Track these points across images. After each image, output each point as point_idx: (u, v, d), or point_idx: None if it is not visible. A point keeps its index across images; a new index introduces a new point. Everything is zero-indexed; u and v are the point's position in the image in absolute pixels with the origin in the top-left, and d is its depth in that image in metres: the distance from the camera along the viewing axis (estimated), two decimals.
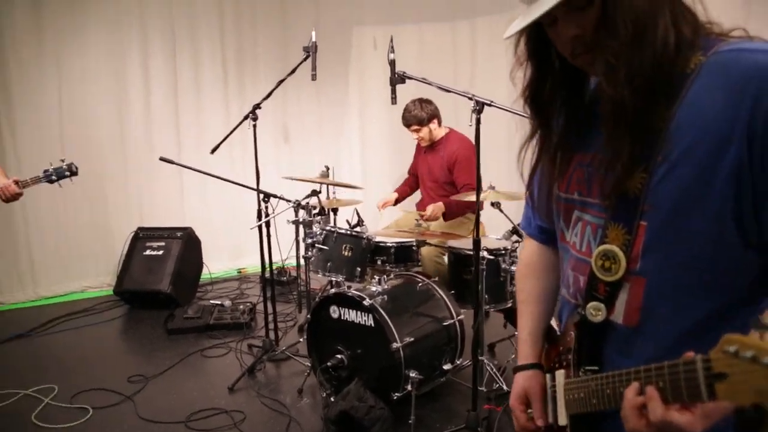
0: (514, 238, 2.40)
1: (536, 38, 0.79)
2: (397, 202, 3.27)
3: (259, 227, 2.60)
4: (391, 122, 4.14)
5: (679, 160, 0.68)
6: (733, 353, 0.49)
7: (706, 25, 0.71)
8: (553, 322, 0.96)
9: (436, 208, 2.88)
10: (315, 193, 2.59)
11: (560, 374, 0.85)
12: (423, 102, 3.03)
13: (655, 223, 0.71)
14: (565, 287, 0.88)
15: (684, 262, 0.70)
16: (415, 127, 3.02)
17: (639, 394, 0.64)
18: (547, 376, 0.90)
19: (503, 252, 2.33)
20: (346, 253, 2.43)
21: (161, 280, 3.45)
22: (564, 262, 0.87)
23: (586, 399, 0.76)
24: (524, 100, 0.82)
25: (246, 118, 2.58)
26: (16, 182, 2.15)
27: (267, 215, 2.58)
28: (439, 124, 3.08)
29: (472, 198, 2.38)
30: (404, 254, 2.50)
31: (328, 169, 3.09)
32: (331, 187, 3.26)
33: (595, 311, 0.77)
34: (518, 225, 2.25)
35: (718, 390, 0.52)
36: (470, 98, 1.84)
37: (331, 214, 3.12)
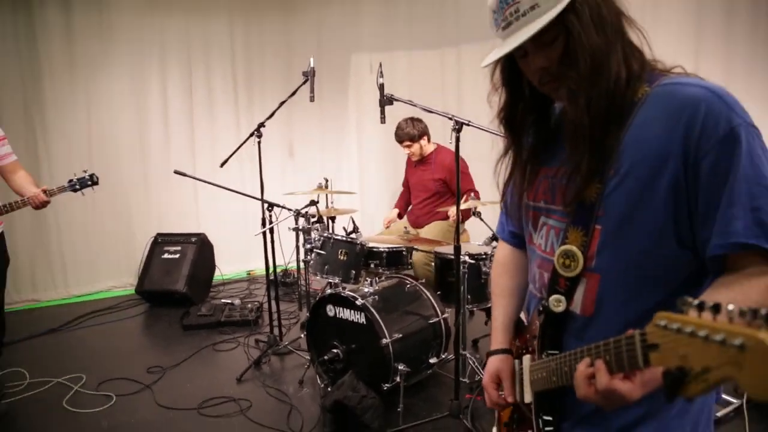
0: (494, 244, 2.41)
1: (509, 68, 0.83)
2: (400, 216, 3.25)
3: (264, 233, 2.60)
4: (385, 139, 4.09)
5: (627, 174, 0.73)
6: (663, 326, 0.53)
7: (652, 62, 0.77)
8: (522, 315, 0.99)
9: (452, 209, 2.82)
10: (313, 202, 2.60)
11: (526, 358, 0.89)
12: (414, 120, 3.02)
13: (608, 226, 0.76)
14: (532, 283, 0.91)
15: (631, 260, 0.74)
16: (407, 143, 3.02)
17: (589, 367, 0.67)
18: (515, 361, 0.93)
19: (484, 257, 2.33)
20: (341, 257, 2.42)
21: (177, 281, 3.46)
22: (531, 261, 0.91)
23: (548, 377, 0.79)
24: (499, 121, 0.86)
25: (251, 135, 2.60)
26: (44, 191, 2.15)
27: (270, 223, 2.58)
28: (429, 140, 3.07)
29: (472, 204, 2.42)
30: (395, 258, 2.50)
31: (327, 181, 3.08)
32: (329, 196, 3.28)
33: (557, 303, 0.81)
34: (495, 231, 2.28)
35: (652, 358, 0.56)
36: (450, 118, 1.85)
37: (329, 222, 3.11)
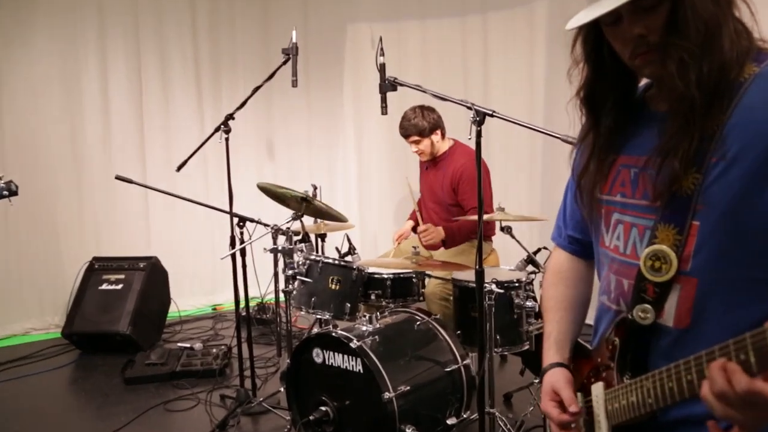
0: (530, 268, 2.42)
1: (593, 38, 0.91)
2: (415, 230, 3.27)
3: (233, 257, 2.63)
4: (391, 134, 4.13)
5: (733, 162, 0.79)
6: None
7: (759, 40, 0.86)
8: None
9: (434, 233, 2.87)
10: (297, 216, 2.63)
11: (597, 387, 0.92)
12: (424, 110, 3.04)
13: (708, 222, 0.81)
14: (604, 294, 0.96)
15: (737, 261, 0.80)
16: (415, 138, 3.05)
17: (721, 371, 0.67)
18: (579, 395, 0.97)
19: (516, 285, 2.33)
20: (333, 287, 2.45)
21: (119, 320, 3.45)
22: (603, 268, 0.96)
23: (638, 403, 0.82)
24: (579, 100, 0.94)
25: (217, 130, 2.61)
26: None
27: (242, 242, 2.61)
28: (443, 136, 3.10)
29: (497, 216, 2.43)
30: (402, 287, 2.52)
31: (315, 189, 3.08)
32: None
33: (644, 314, 0.85)
34: (534, 253, 2.35)
35: None
36: (469, 107, 1.88)
37: (318, 241, 3.15)
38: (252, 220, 2.65)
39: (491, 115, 1.91)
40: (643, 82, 0.96)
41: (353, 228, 3.17)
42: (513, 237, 2.47)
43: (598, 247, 0.97)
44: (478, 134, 1.90)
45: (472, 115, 1.88)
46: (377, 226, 4.44)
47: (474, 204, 2.86)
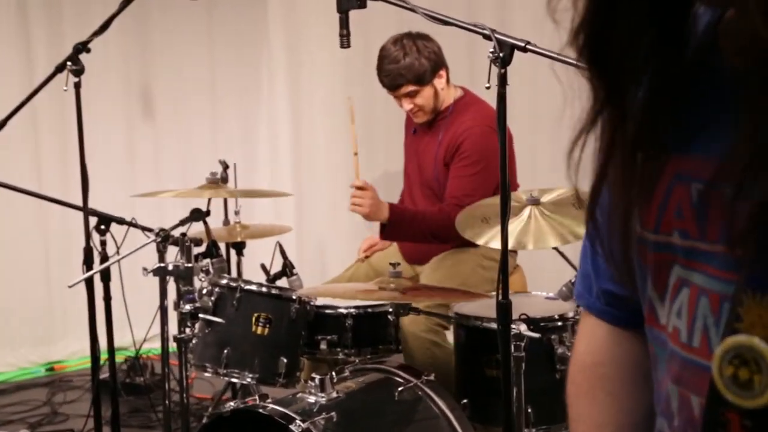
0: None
1: None
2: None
3: (88, 283, 2.62)
4: (348, 82, 4.18)
5: None
6: None
7: None
8: None
9: (368, 199, 2.84)
10: (199, 215, 2.62)
11: None
12: (417, 40, 3.06)
13: None
14: (664, 418, 0.90)
15: None
16: (411, 89, 3.06)
17: None
18: None
19: (559, 324, 2.38)
20: (259, 330, 2.51)
21: None
22: (659, 367, 0.91)
23: None
24: (577, 49, 0.84)
25: (60, 69, 2.58)
26: None
27: (105, 259, 2.59)
28: (448, 80, 3.16)
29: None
30: (372, 330, 2.59)
31: (226, 168, 3.08)
32: (236, 202, 3.32)
33: None
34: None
35: None
36: (487, 35, 1.89)
37: (232, 253, 3.16)
38: (122, 222, 2.65)
39: (524, 49, 1.91)
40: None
41: (289, 233, 3.14)
42: (555, 248, 2.40)
43: (648, 324, 0.90)
44: (502, 80, 1.88)
45: (491, 50, 1.90)
46: (326, 229, 4.49)
47: (455, 194, 2.97)
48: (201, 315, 2.53)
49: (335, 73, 4.36)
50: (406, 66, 3.01)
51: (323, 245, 4.54)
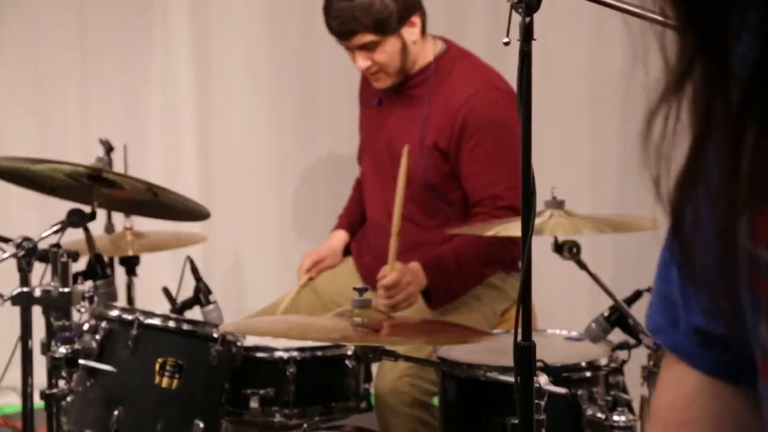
0: (615, 336, 2.49)
1: None
2: (349, 251, 3.31)
3: None
4: (276, 33, 4.23)
5: None
6: None
7: None
8: None
9: (409, 285, 2.84)
10: (81, 219, 2.58)
11: None
12: None
13: None
14: None
15: None
16: (369, 39, 2.97)
17: None
18: None
19: (588, 375, 2.40)
20: (165, 383, 2.48)
21: None
22: None
23: None
24: None
25: None
26: None
27: None
28: (423, 31, 3.05)
29: (513, 230, 2.46)
30: (324, 382, 2.61)
31: (110, 150, 3.03)
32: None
33: None
34: (627, 302, 2.47)
35: None
36: None
37: (120, 271, 3.11)
38: None
39: None
40: None
41: (203, 242, 3.26)
42: (581, 266, 2.41)
43: (763, 378, 0.89)
44: (526, 33, 1.90)
45: None
46: (249, 239, 4.41)
47: (495, 190, 2.92)
48: (82, 361, 2.45)
49: (258, 21, 4.38)
50: (363, 5, 2.95)
51: (247, 261, 4.57)
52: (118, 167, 3.18)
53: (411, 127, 3.06)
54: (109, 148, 3.05)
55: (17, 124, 4.54)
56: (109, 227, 3.17)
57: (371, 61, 3.02)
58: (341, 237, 3.33)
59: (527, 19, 1.91)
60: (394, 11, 2.97)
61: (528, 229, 2.01)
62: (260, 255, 4.52)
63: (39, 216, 3.82)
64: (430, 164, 3.02)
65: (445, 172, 3.03)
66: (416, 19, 3.03)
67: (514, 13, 1.92)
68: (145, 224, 3.32)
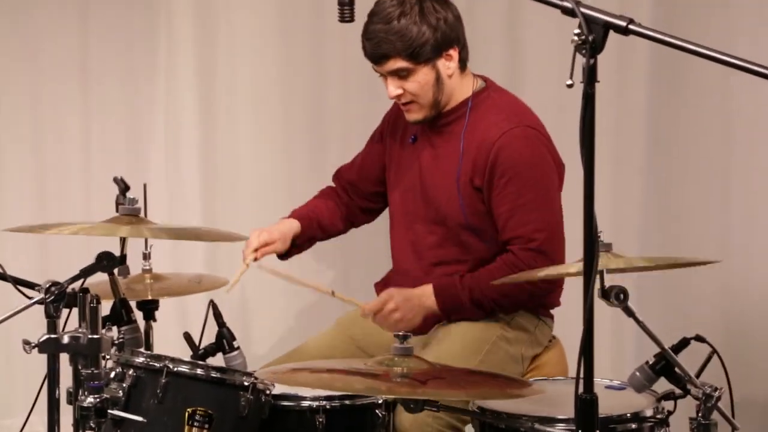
0: (661, 385, 2.42)
1: None
2: (293, 249, 3.21)
3: None
4: (286, 61, 4.15)
5: None
6: None
7: None
8: None
9: (409, 297, 2.88)
10: (111, 263, 2.57)
11: None
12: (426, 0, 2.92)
13: None
14: None
15: None
16: (401, 65, 2.94)
17: None
18: None
19: (633, 427, 2.37)
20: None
21: None
22: None
23: None
24: None
25: None
26: None
27: None
28: (462, 66, 3.01)
29: (545, 271, 2.55)
30: (355, 430, 2.60)
31: (125, 189, 2.94)
32: (147, 246, 3.18)
33: None
34: (674, 350, 2.37)
35: None
36: (570, 9, 1.87)
37: (138, 316, 2.97)
38: None
39: (625, 30, 1.89)
40: None
41: (220, 287, 3.11)
42: (629, 312, 2.35)
43: None
44: (590, 75, 1.84)
45: (575, 33, 1.85)
46: (273, 282, 4.15)
47: (523, 231, 2.91)
48: (111, 411, 2.39)
49: (265, 47, 4.27)
50: (398, 30, 2.90)
51: (269, 305, 4.40)
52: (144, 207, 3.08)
53: (446, 164, 3.04)
54: (124, 187, 2.97)
55: (14, 152, 4.53)
56: (124, 269, 3.05)
57: (402, 89, 3.00)
58: (293, 226, 3.24)
59: (591, 61, 1.87)
60: (429, 40, 2.95)
61: (591, 275, 1.93)
62: (281, 296, 4.35)
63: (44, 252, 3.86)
64: (467, 203, 3.01)
65: (481, 211, 3.01)
66: (454, 53, 3.00)
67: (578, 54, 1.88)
68: (163, 265, 3.26)
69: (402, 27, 2.92)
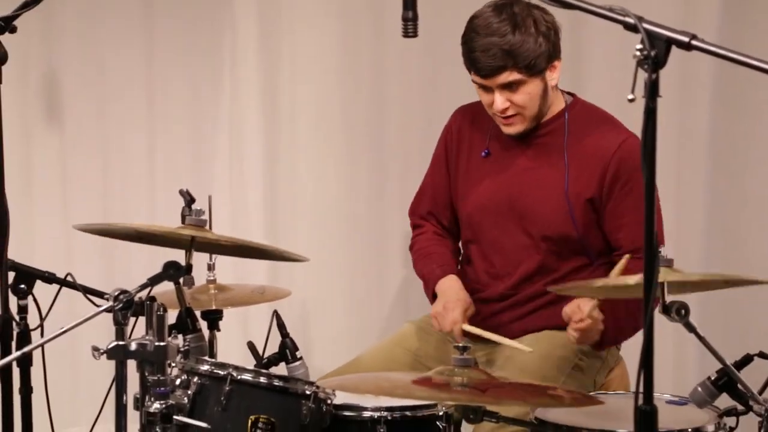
0: (722, 401, 2.43)
1: None
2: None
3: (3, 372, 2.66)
4: (348, 82, 4.17)
5: None
6: None
7: None
8: None
9: (592, 322, 2.82)
10: (177, 272, 2.63)
11: None
12: (533, 10, 2.97)
13: None
14: None
15: None
16: (516, 77, 2.94)
17: None
18: None
19: None
20: None
21: None
22: None
23: None
24: None
25: None
26: None
27: (26, 333, 2.75)
28: (557, 77, 3.07)
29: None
30: None
31: (191, 202, 2.98)
32: (212, 259, 3.26)
33: None
34: (737, 366, 2.39)
35: None
36: (632, 25, 1.87)
37: (202, 325, 3.03)
38: (50, 279, 2.77)
39: (688, 46, 1.90)
40: None
41: (287, 297, 3.20)
42: (690, 328, 2.36)
43: None
44: (652, 91, 1.86)
45: (638, 48, 1.86)
46: (337, 293, 4.40)
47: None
48: (177, 417, 2.41)
49: (329, 66, 4.29)
50: (517, 42, 2.90)
51: (331, 317, 4.42)
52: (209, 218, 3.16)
53: (548, 177, 3.08)
54: (190, 200, 3.02)
55: (81, 167, 4.61)
56: (189, 280, 3.05)
57: (510, 102, 3.01)
58: (459, 284, 3.18)
59: (653, 76, 1.87)
60: (544, 52, 2.98)
61: (650, 290, 1.88)
62: (345, 306, 4.45)
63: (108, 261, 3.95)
64: (579, 215, 3.05)
65: (591, 222, 3.06)
66: (558, 63, 3.05)
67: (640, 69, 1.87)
68: (228, 276, 3.31)
69: (519, 39, 2.96)
